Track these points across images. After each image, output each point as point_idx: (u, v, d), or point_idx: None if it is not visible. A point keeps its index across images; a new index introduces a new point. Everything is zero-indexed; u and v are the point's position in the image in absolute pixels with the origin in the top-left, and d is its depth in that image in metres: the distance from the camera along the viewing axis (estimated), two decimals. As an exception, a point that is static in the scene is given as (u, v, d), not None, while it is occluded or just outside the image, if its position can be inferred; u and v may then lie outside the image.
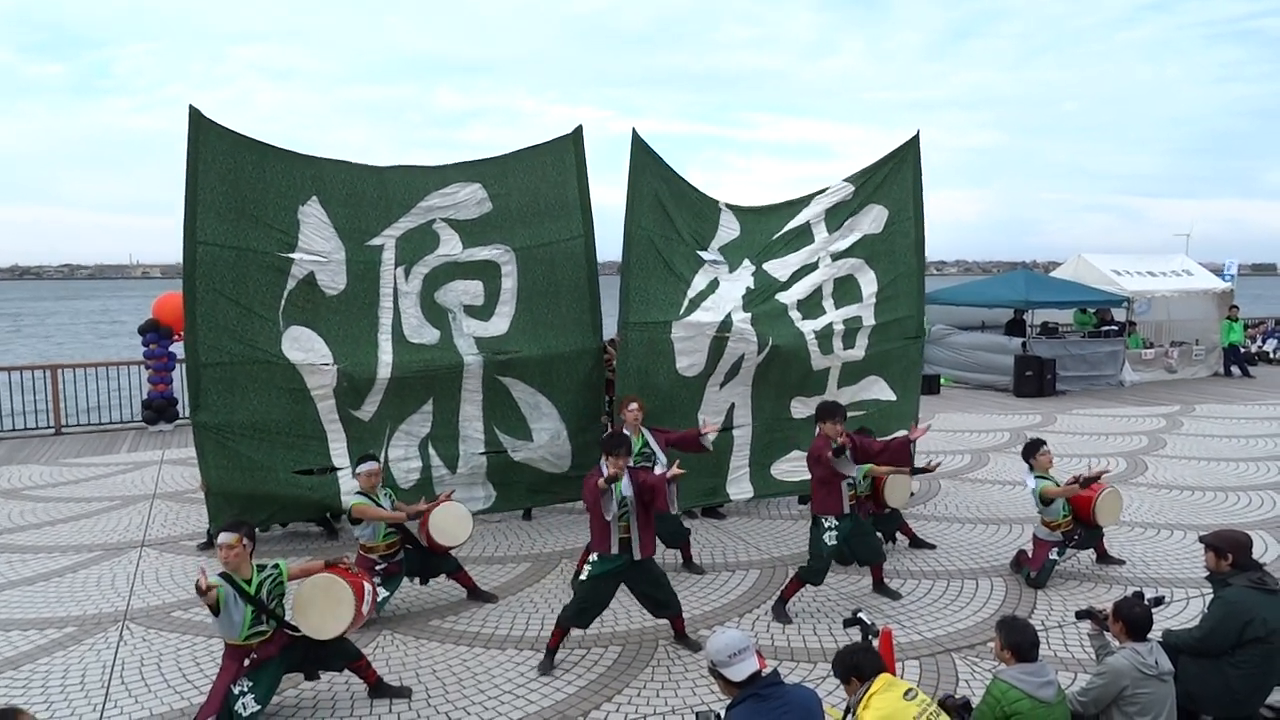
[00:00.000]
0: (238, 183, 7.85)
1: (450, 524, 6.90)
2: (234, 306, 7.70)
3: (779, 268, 9.29)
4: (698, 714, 4.05)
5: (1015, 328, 18.79)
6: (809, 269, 9.34)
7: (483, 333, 8.52)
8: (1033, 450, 7.47)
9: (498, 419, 8.57)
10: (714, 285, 8.89)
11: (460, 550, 7.26)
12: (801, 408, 9.18)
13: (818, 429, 6.85)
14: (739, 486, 8.97)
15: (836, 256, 9.39)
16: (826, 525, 6.70)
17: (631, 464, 6.61)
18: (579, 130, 9.14)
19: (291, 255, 7.94)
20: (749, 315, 8.73)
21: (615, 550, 5.95)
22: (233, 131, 7.95)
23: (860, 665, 4.02)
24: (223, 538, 5.13)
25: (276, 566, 5.34)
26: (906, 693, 3.91)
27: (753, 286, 9.02)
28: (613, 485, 5.85)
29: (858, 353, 9.25)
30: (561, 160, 9.06)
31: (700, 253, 9.08)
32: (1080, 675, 5.57)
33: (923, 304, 9.89)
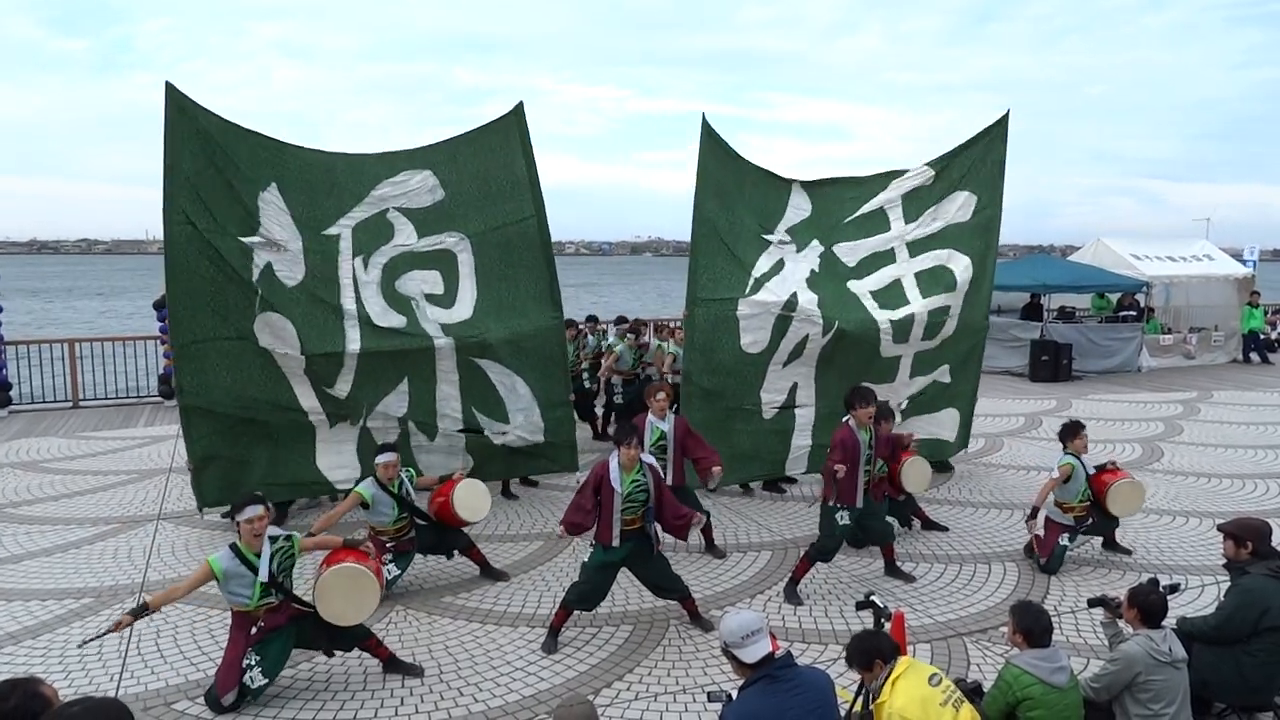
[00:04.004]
0: (209, 162, 7.74)
1: (472, 499, 6.95)
2: (207, 285, 7.61)
3: (848, 252, 9.26)
4: (709, 694, 4.06)
5: (1032, 312, 18.63)
6: (884, 259, 9.27)
7: (447, 319, 8.47)
8: (1072, 432, 7.37)
9: (476, 400, 8.57)
10: (779, 266, 8.89)
11: (473, 528, 7.30)
12: None
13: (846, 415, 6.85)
14: (798, 465, 9.02)
15: (916, 248, 9.31)
16: (839, 506, 6.70)
17: (648, 454, 6.61)
18: (520, 106, 9.09)
19: (251, 241, 7.80)
20: (815, 298, 8.73)
21: (616, 542, 5.96)
22: (206, 109, 7.87)
23: (881, 648, 4.02)
24: (249, 511, 5.15)
25: (289, 539, 5.38)
26: (931, 677, 3.89)
27: (818, 269, 9.02)
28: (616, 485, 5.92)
29: (934, 342, 9.27)
30: (507, 139, 8.99)
31: (766, 235, 9.06)
32: (1093, 661, 5.56)
33: (992, 289, 9.86)
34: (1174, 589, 5.00)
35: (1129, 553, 7.71)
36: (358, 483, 8.05)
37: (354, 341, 7.96)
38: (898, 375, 9.27)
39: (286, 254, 7.98)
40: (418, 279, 8.54)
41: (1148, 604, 4.57)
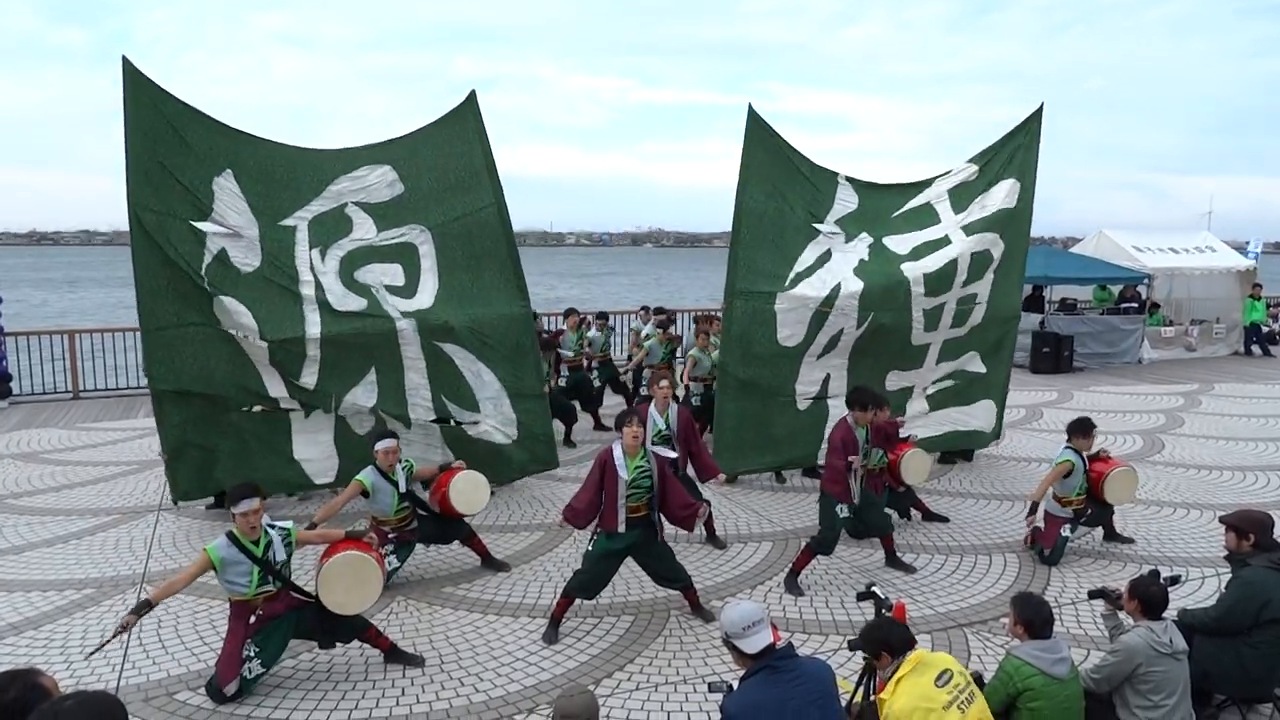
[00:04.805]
0: (160, 142, 7.61)
1: (470, 491, 6.96)
2: (165, 270, 7.50)
3: (898, 243, 9.24)
4: (710, 684, 4.05)
5: (1033, 303, 18.62)
6: (939, 244, 9.20)
7: (408, 308, 8.27)
8: (1082, 430, 7.30)
9: (445, 389, 8.39)
10: (825, 257, 8.87)
11: (474, 518, 7.31)
12: (897, 379, 9.33)
13: (848, 413, 6.86)
14: None
15: (971, 230, 9.26)
16: (838, 500, 6.71)
17: (653, 443, 6.61)
18: (473, 95, 8.96)
19: (204, 227, 7.65)
20: (859, 288, 8.69)
21: (622, 528, 5.96)
22: (162, 88, 7.73)
23: (890, 640, 3.96)
24: (244, 505, 5.15)
25: (286, 529, 5.39)
26: (939, 677, 3.79)
27: (867, 258, 8.99)
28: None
29: (962, 330, 9.35)
30: (464, 130, 8.86)
31: (816, 225, 9.04)
32: (1093, 652, 5.56)
33: (1023, 278, 9.93)
34: (1175, 580, 5.00)
35: (1130, 542, 7.72)
36: (338, 477, 8.01)
37: (314, 325, 7.79)
38: (925, 361, 9.37)
39: (242, 240, 7.84)
40: (377, 271, 8.36)
41: (1149, 595, 4.56)
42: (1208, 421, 12.71)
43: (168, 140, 7.68)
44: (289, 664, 5.55)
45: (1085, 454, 7.31)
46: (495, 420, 8.57)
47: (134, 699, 5.19)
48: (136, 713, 5.02)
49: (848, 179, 9.58)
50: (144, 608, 4.98)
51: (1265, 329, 19.95)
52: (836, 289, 8.63)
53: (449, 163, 8.79)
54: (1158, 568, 5.38)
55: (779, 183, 8.92)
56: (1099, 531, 7.73)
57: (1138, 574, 4.89)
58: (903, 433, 8.28)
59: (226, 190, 7.89)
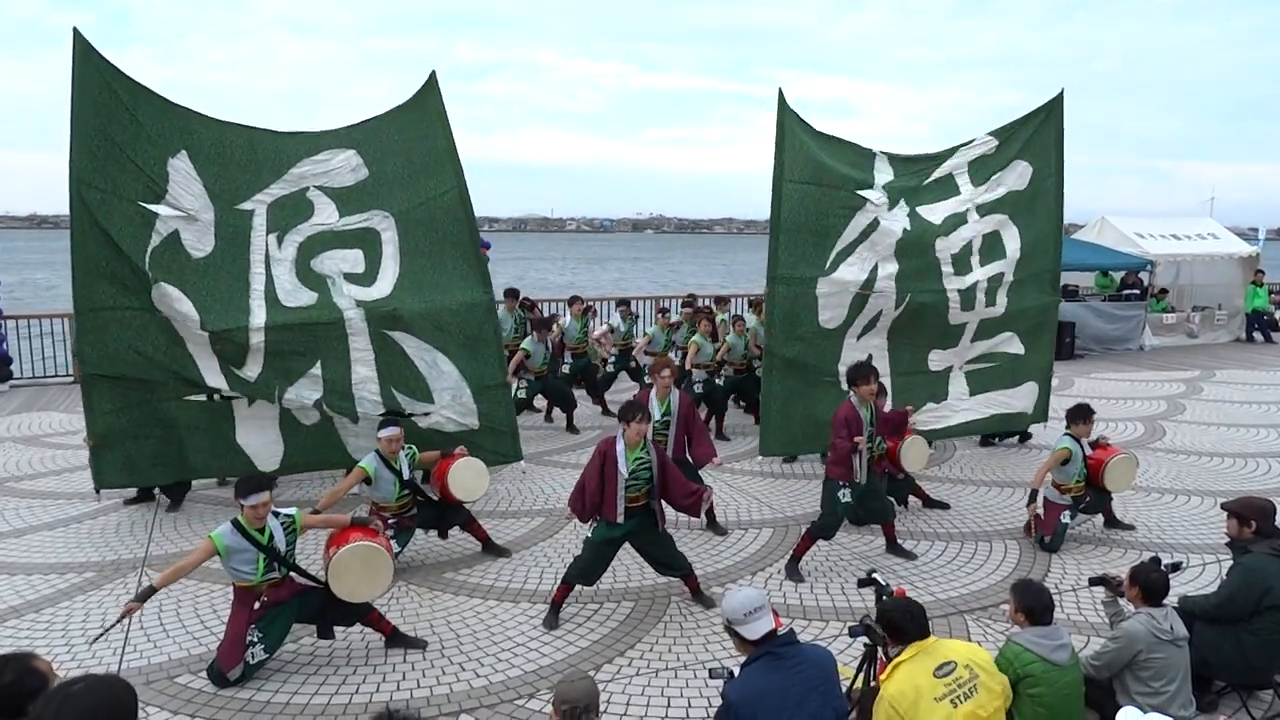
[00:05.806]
0: (110, 119, 7.43)
1: (468, 479, 6.95)
2: (104, 250, 7.33)
3: (930, 213, 9.31)
4: (711, 671, 4.05)
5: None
6: (958, 220, 9.35)
7: (364, 296, 8.03)
8: (1081, 416, 7.31)
9: (395, 380, 8.14)
10: (871, 228, 8.88)
11: (474, 504, 7.31)
12: (940, 359, 9.42)
13: (850, 392, 6.85)
14: None
15: (984, 211, 9.41)
16: (840, 484, 6.70)
17: (653, 434, 6.60)
18: (433, 77, 8.75)
19: (156, 209, 7.48)
20: (895, 270, 8.85)
21: (620, 519, 5.95)
22: (111, 63, 7.56)
23: (894, 625, 3.93)
24: (254, 498, 5.12)
25: (290, 516, 5.39)
26: (940, 667, 3.73)
27: (909, 228, 9.05)
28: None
29: (997, 309, 9.47)
30: (425, 112, 8.65)
31: (862, 193, 9.01)
32: (1093, 639, 5.56)
33: (1059, 260, 10.01)
34: (1176, 567, 5.00)
35: (1131, 528, 7.72)
36: (282, 464, 8.02)
37: (259, 315, 7.64)
38: (961, 340, 9.46)
39: (197, 224, 7.68)
40: (337, 258, 8.15)
41: (1149, 582, 4.56)
42: (1209, 408, 12.70)
43: (120, 118, 7.49)
44: (290, 648, 5.55)
45: (1084, 441, 7.31)
46: (452, 411, 8.29)
47: (135, 682, 5.16)
48: (137, 695, 5.03)
49: (882, 152, 9.56)
50: (148, 593, 4.99)
51: (1267, 315, 19.91)
52: (874, 270, 8.76)
53: (413, 146, 8.57)
54: (1158, 554, 5.39)
55: (820, 161, 8.89)
56: (1099, 518, 7.73)
57: (1138, 560, 4.89)
58: (928, 418, 8.29)
59: (181, 172, 7.70)
